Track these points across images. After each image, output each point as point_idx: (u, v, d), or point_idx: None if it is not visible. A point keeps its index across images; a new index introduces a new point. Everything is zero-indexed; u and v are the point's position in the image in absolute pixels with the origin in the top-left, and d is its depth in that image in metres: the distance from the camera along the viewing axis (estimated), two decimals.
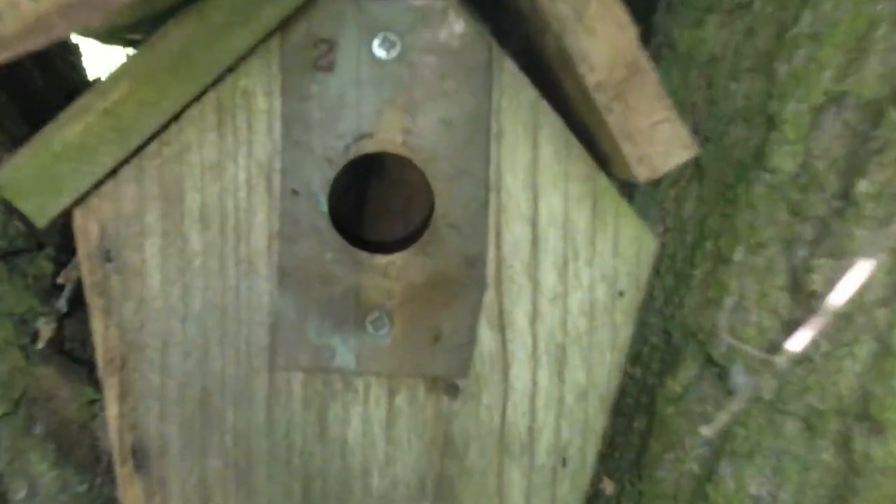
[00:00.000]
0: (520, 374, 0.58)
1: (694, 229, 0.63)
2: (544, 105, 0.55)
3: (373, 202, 0.73)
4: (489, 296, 0.57)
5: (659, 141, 0.50)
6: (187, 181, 0.55)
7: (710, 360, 0.60)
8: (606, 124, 0.50)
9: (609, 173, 0.56)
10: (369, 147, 0.55)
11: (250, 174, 0.55)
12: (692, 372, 0.62)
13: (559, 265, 0.57)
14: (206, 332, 0.57)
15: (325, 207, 0.55)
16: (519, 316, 0.58)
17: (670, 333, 0.64)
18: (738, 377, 0.57)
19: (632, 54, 0.49)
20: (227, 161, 0.55)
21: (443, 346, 0.57)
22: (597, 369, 0.58)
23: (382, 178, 0.71)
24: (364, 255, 0.56)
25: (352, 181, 0.70)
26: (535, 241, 0.57)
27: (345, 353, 0.57)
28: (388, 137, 0.54)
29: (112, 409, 0.57)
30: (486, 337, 0.58)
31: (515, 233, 0.56)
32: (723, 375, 0.60)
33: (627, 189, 0.56)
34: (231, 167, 0.55)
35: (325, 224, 0.56)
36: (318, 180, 0.55)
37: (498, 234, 0.57)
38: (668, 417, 0.63)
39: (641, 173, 0.51)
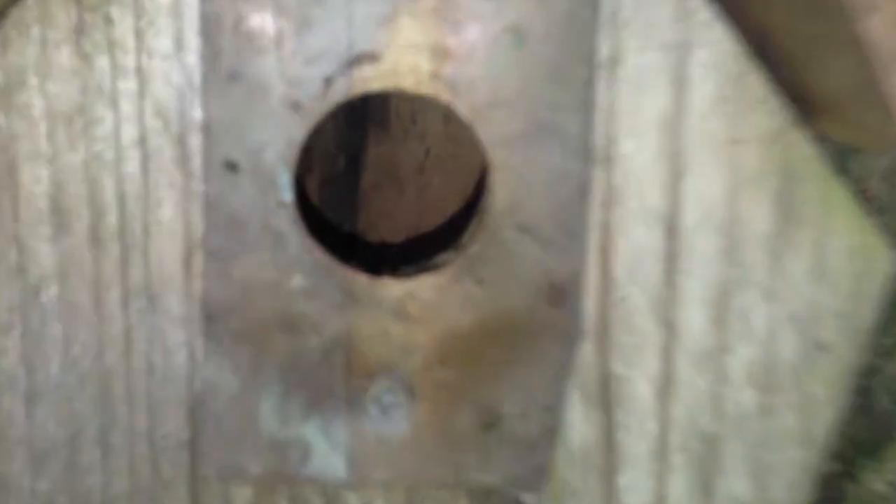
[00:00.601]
0: (636, 484, 0.35)
1: None
2: (700, 3, 0.30)
3: (371, 165, 0.50)
4: (587, 352, 0.34)
5: None
6: (22, 144, 0.29)
7: None
8: (858, 37, 0.25)
9: (819, 134, 0.31)
10: (370, 81, 0.30)
11: (145, 132, 0.30)
12: None
13: (714, 298, 0.33)
14: (74, 421, 0.32)
15: (289, 193, 0.31)
16: (638, 386, 0.34)
17: (873, 396, 0.40)
18: None
19: None
20: (96, 106, 0.29)
21: (502, 438, 0.34)
22: (773, 479, 0.35)
23: (385, 127, 0.47)
24: (362, 279, 0.32)
25: (341, 133, 0.47)
26: (671, 256, 0.32)
27: (328, 453, 0.33)
28: (405, 63, 0.30)
29: None
30: (580, 421, 0.35)
31: (637, 240, 0.32)
32: None
33: None
34: (107, 118, 0.30)
35: (289, 223, 0.31)
36: (277, 144, 0.30)
37: (606, 244, 0.32)
38: None
39: None
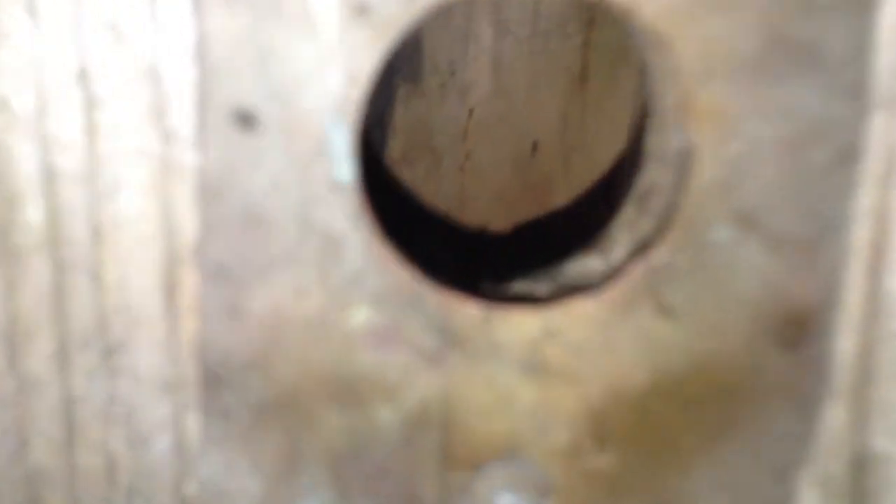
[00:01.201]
0: None
1: None
2: None
3: (400, 130, 0.40)
4: (836, 420, 0.21)
5: None
6: None
7: None
8: None
9: None
10: None
11: (85, 57, 0.17)
12: None
13: None
14: None
15: (347, 166, 0.18)
16: None
17: None
18: None
19: None
20: None
21: None
22: None
23: (417, 80, 0.39)
24: (471, 309, 0.20)
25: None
26: None
27: None
28: None
29: None
30: None
31: None
32: None
33: None
34: (18, 33, 0.17)
35: (348, 219, 0.19)
36: (326, 80, 0.17)
37: (879, 245, 0.20)
38: None
39: None
